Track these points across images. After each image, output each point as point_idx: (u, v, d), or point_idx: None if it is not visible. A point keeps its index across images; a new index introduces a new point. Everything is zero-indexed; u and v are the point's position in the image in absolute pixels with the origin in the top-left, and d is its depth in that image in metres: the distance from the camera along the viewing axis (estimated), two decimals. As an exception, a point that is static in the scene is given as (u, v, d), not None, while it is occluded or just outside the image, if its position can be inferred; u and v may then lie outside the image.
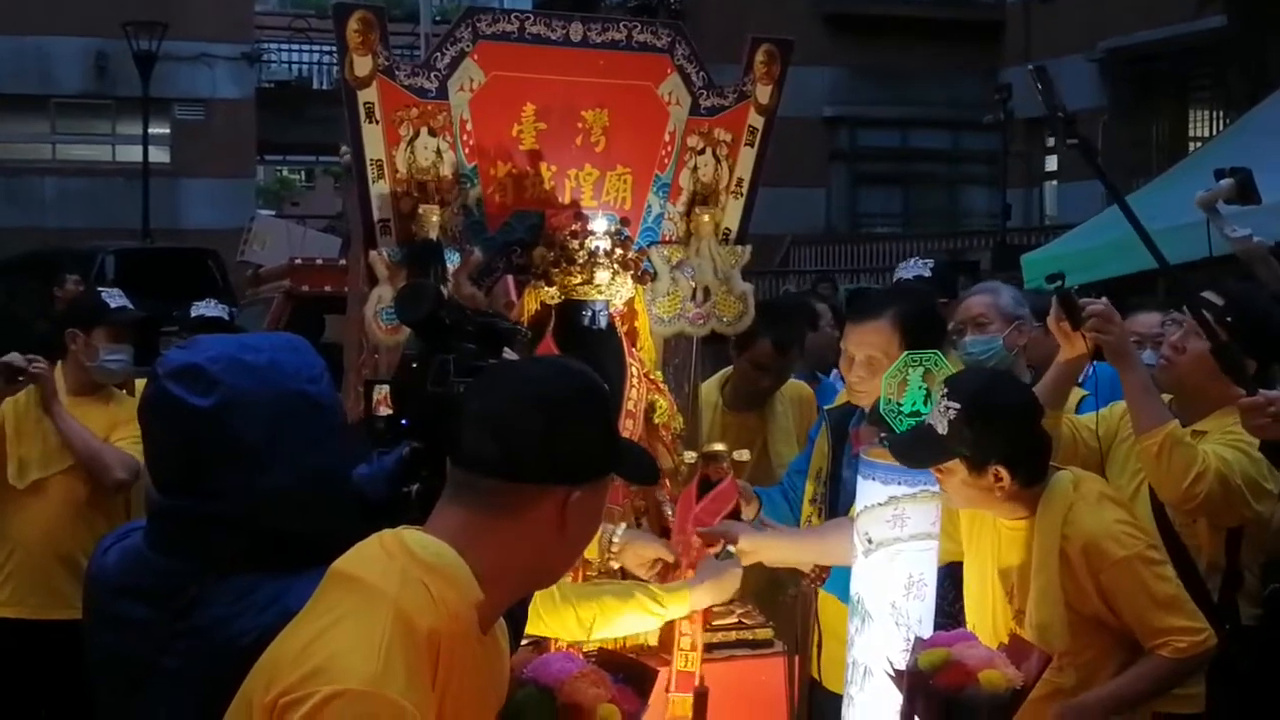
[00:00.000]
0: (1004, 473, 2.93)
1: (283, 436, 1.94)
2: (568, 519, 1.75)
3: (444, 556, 1.72)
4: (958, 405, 2.89)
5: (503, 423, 1.75)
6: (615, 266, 3.41)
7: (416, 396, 2.10)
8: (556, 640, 2.86)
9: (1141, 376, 3.32)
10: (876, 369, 3.31)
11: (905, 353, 3.14)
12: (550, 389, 1.80)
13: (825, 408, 3.90)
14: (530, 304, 3.44)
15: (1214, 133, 18.32)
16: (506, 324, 2.28)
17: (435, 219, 3.34)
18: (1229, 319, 3.39)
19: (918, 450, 2.95)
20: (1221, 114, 19.07)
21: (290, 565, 1.93)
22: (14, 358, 4.20)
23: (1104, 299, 3.35)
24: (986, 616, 3.10)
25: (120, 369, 4.47)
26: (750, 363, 4.51)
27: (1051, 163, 23.83)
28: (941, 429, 2.90)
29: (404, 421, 2.12)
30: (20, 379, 4.13)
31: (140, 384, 4.04)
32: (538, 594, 2.28)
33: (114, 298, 4.60)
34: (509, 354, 2.17)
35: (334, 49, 3.47)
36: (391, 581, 1.69)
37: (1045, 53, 22.59)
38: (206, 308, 5.15)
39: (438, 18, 14.30)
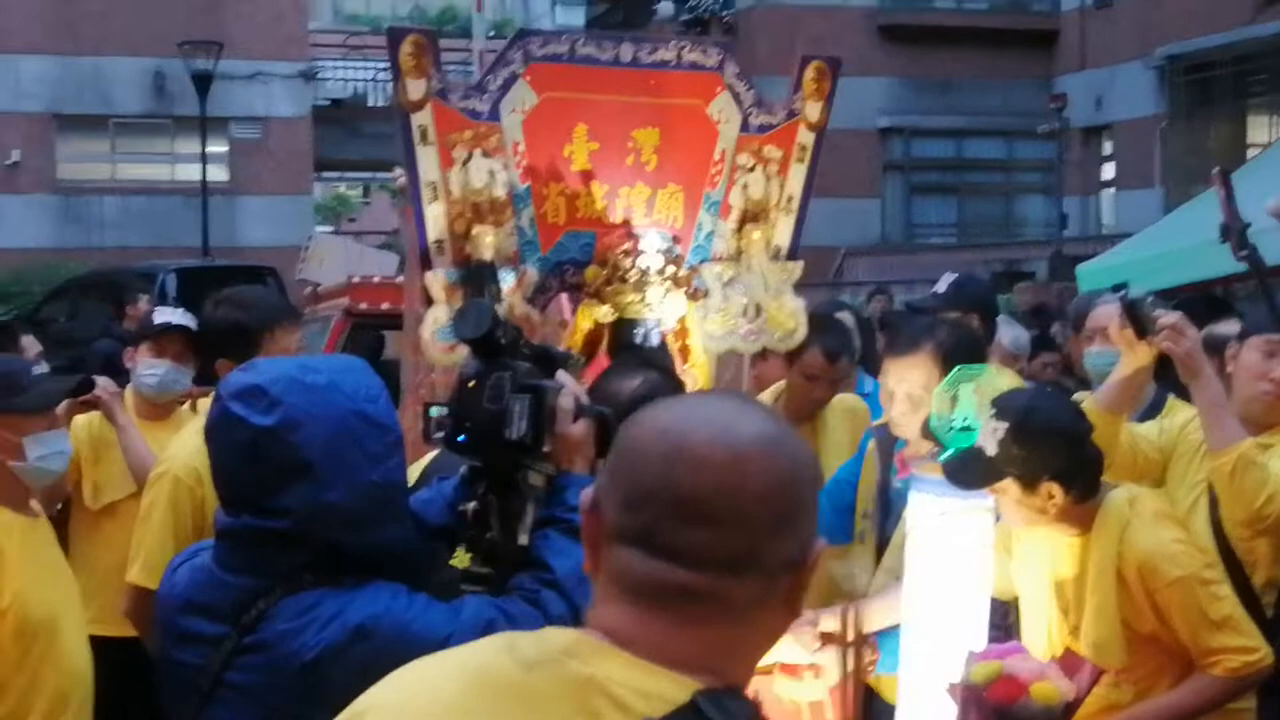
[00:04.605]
0: (1056, 490, 2.92)
1: (343, 454, 1.99)
2: None
3: None
4: (1005, 425, 2.89)
5: None
6: (667, 284, 3.44)
7: (473, 414, 2.14)
8: None
9: (1215, 392, 3.26)
10: (918, 404, 3.29)
11: (956, 367, 3.14)
12: None
13: (874, 423, 3.90)
14: (584, 322, 3.48)
15: (1272, 139, 18.11)
16: (559, 350, 2.32)
17: (489, 240, 3.38)
18: None
19: (968, 472, 2.94)
20: (1280, 120, 18.88)
21: (352, 580, 1.99)
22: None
23: (1178, 312, 3.29)
24: (1041, 630, 3.10)
25: (157, 383, 4.31)
26: (801, 374, 4.50)
27: (1108, 171, 23.62)
28: (991, 450, 2.90)
29: (461, 438, 2.16)
30: (84, 399, 4.15)
31: (205, 404, 3.99)
32: None
33: (164, 314, 4.46)
34: (562, 377, 2.20)
35: (388, 65, 3.52)
36: None
37: (1102, 60, 22.45)
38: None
39: (490, 33, 14.40)
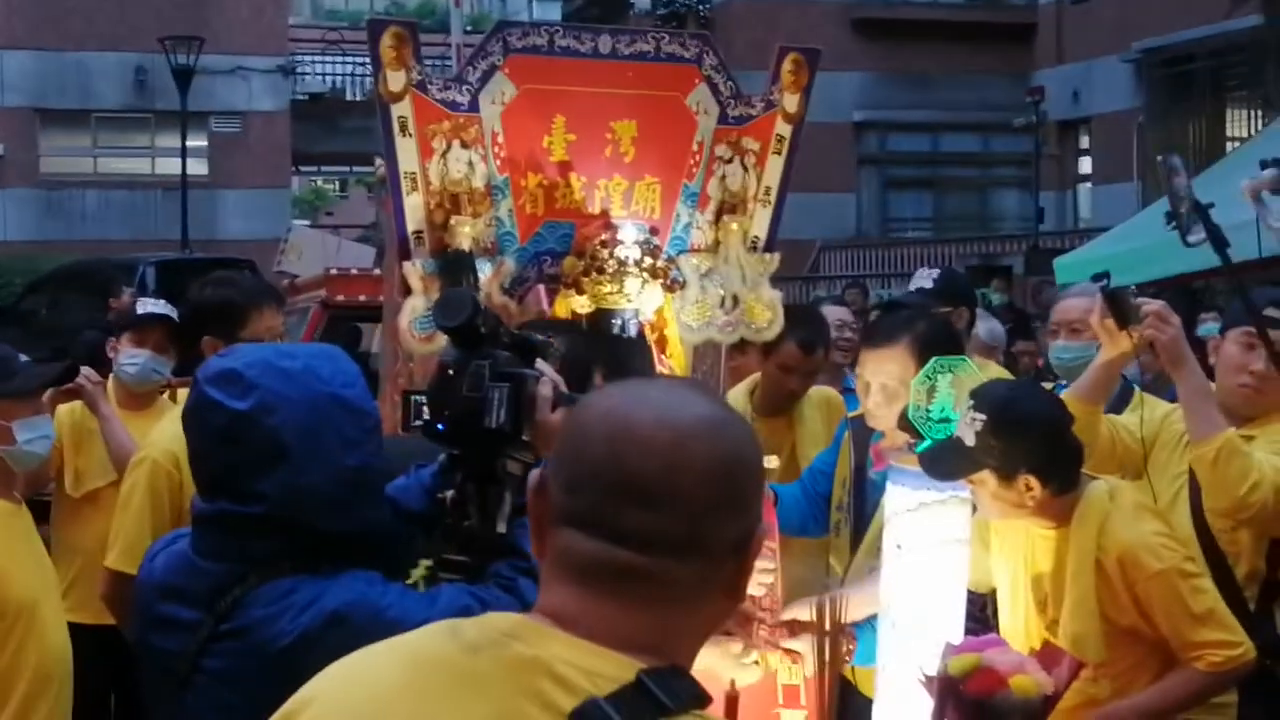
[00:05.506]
0: (1034, 482, 2.89)
1: (319, 438, 2.00)
2: None
3: None
4: (983, 416, 2.86)
5: None
6: (645, 275, 3.46)
7: (452, 402, 2.15)
8: None
9: (1198, 381, 3.24)
10: (893, 396, 3.29)
11: (933, 359, 3.15)
12: None
13: (849, 414, 3.91)
14: (561, 313, 3.49)
15: (1252, 132, 18.20)
16: (539, 338, 2.32)
17: (467, 230, 3.39)
18: None
19: (946, 462, 2.91)
20: (1259, 113, 18.93)
21: (328, 568, 1.99)
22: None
23: (1161, 301, 3.28)
24: (1019, 624, 3.08)
25: (136, 371, 4.39)
26: (777, 366, 4.51)
27: (1085, 165, 23.70)
28: (969, 440, 2.87)
29: (440, 427, 2.17)
30: (68, 388, 4.16)
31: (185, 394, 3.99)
32: None
33: (145, 305, 4.55)
34: (541, 366, 2.21)
35: (366, 60, 3.52)
36: None
37: (1079, 54, 22.54)
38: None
39: (468, 28, 14.37)
